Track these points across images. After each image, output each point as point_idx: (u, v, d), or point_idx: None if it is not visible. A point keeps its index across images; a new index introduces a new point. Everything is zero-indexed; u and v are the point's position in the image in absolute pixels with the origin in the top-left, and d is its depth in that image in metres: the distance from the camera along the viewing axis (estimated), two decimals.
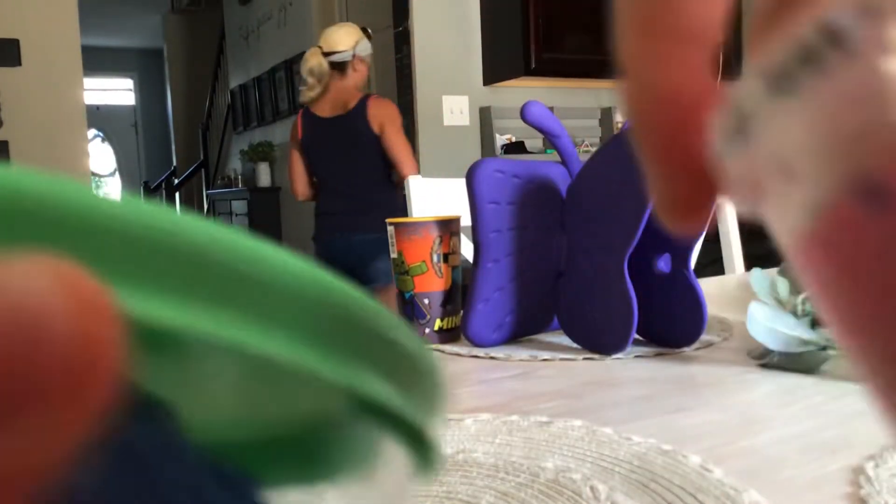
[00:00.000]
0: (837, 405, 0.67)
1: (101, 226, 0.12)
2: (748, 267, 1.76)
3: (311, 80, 3.03)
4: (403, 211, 3.03)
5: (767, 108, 0.14)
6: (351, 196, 3.03)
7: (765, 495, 0.49)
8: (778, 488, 0.50)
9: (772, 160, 0.14)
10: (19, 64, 3.92)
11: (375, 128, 2.90)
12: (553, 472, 0.54)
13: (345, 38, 2.98)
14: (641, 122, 0.19)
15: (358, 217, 3.01)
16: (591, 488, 0.51)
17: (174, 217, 0.13)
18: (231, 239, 0.14)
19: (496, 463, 0.56)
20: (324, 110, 3.03)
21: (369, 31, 3.10)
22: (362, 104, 2.94)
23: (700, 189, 0.19)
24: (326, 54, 2.99)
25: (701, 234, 0.82)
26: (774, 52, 0.13)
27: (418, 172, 2.88)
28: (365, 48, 3.03)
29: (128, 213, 0.13)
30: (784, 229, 0.15)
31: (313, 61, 3.00)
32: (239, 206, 6.60)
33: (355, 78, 3.01)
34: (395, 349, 0.18)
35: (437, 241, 0.95)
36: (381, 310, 0.17)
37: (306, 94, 3.07)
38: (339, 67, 2.99)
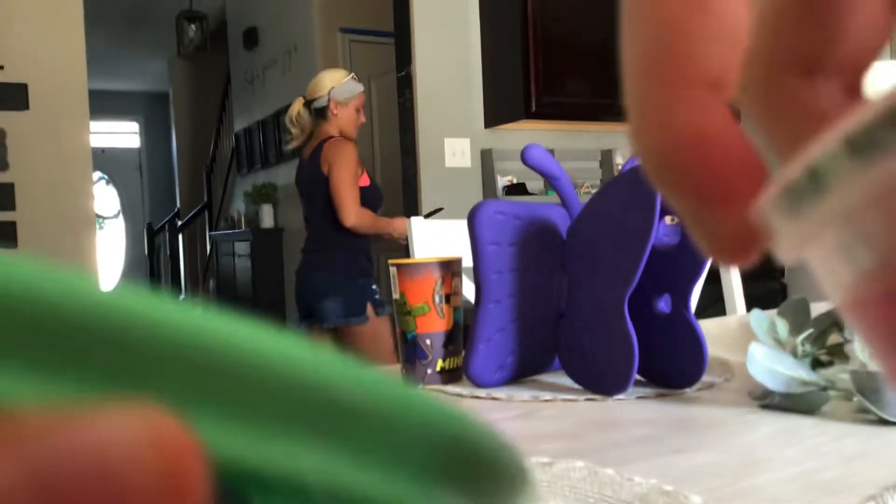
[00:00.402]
0: (838, 445, 0.67)
1: (187, 358, 0.11)
2: (749, 307, 1.77)
3: (293, 129, 3.08)
4: (365, 253, 3.06)
5: (845, 169, 0.14)
6: (310, 237, 3.12)
7: None
8: None
9: (839, 218, 0.14)
10: (27, 108, 3.98)
11: (325, 169, 2.93)
12: None
13: (322, 84, 3.02)
14: (664, 165, 0.19)
15: (313, 256, 3.08)
16: None
17: (282, 348, 0.12)
18: (351, 373, 0.13)
19: None
20: (305, 154, 3.10)
21: (354, 75, 3.11)
22: (319, 147, 2.99)
23: (745, 229, 0.18)
24: (308, 101, 3.05)
25: (699, 276, 0.83)
26: (862, 114, 0.14)
27: (356, 221, 2.87)
28: (343, 92, 3.02)
29: (220, 336, 0.12)
30: (836, 283, 0.15)
31: (293, 109, 3.08)
32: (242, 247, 6.63)
33: (337, 122, 3.03)
34: (509, 475, 0.17)
35: (440, 281, 0.96)
36: (494, 438, 0.17)
37: (290, 143, 3.15)
38: (319, 113, 3.04)
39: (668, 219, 0.86)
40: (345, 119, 3.04)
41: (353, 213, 2.89)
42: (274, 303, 5.70)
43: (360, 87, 3.08)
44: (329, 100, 3.00)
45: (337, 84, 3.01)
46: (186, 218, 8.50)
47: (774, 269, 3.00)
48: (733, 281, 1.73)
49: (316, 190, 2.98)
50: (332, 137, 3.00)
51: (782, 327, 0.85)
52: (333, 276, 2.99)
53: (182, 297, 6.88)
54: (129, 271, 9.02)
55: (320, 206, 3.00)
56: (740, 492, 0.58)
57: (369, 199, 2.99)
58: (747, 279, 1.75)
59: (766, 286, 2.88)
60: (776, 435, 0.73)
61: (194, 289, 6.90)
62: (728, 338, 1.28)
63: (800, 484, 0.59)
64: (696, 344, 0.84)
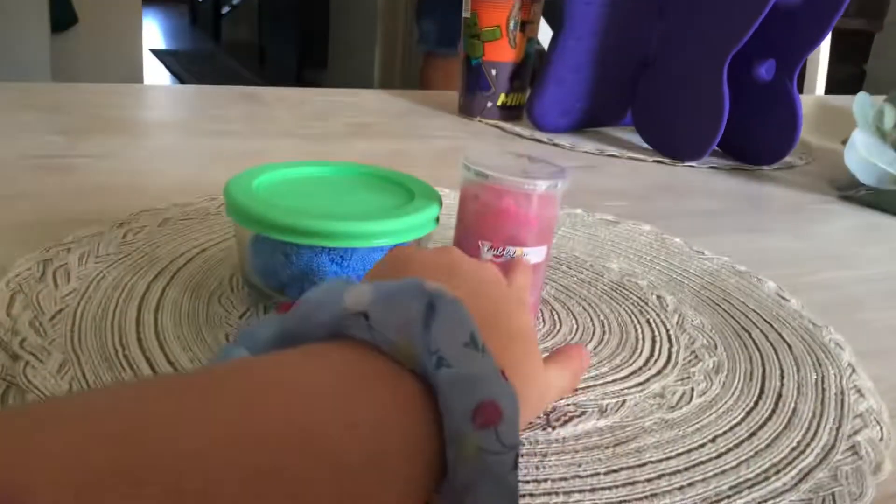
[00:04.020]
0: None
1: None
2: (829, 90, 1.64)
3: None
4: None
5: None
6: None
7: (841, 334, 0.45)
8: (856, 329, 0.47)
9: None
10: None
11: None
12: (618, 274, 0.51)
13: None
14: None
15: None
16: (658, 297, 0.48)
17: None
18: None
19: (558, 255, 0.53)
20: None
21: None
22: None
23: None
24: None
25: (817, 43, 0.73)
26: None
27: None
28: None
29: None
30: None
31: None
32: None
33: None
34: None
35: (518, 5, 0.85)
36: None
37: None
38: None
39: None
40: None
41: None
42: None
43: None
44: None
45: None
46: None
47: (857, 51, 2.77)
48: (820, 57, 1.58)
49: None
50: None
51: (890, 117, 0.76)
52: None
53: None
54: None
55: None
56: (817, 284, 0.54)
57: None
58: (835, 59, 1.60)
59: (845, 70, 2.67)
60: (859, 230, 0.68)
61: None
62: (807, 118, 1.18)
63: (882, 287, 0.54)
64: (790, 119, 0.76)
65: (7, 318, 0.36)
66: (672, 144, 0.81)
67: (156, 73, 4.96)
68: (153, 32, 6.43)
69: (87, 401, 0.19)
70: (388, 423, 0.23)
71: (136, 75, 3.85)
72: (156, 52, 5.54)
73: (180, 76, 4.90)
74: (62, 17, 3.46)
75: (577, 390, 0.36)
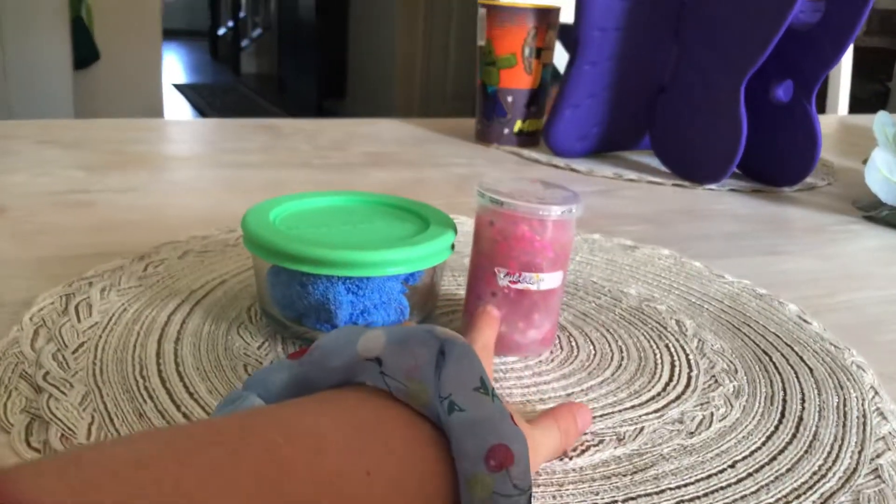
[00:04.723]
0: None
1: None
2: (852, 108, 1.63)
3: None
4: None
5: None
6: None
7: (863, 356, 0.45)
8: (878, 350, 0.46)
9: None
10: None
11: None
12: (636, 299, 0.51)
13: None
14: None
15: None
16: (678, 322, 0.48)
17: None
18: None
19: (576, 281, 0.53)
20: None
21: None
22: None
23: None
24: None
25: (834, 64, 0.73)
26: None
27: None
28: None
29: None
30: None
31: None
32: None
33: None
34: None
35: (533, 32, 0.86)
36: None
37: None
38: None
39: None
40: None
41: None
42: (337, 27, 5.48)
43: None
44: None
45: None
46: None
47: (880, 69, 2.75)
48: (842, 76, 1.57)
49: None
50: None
51: None
52: None
53: (242, 15, 6.68)
54: None
55: None
56: (838, 305, 0.53)
57: None
58: (857, 77, 1.59)
59: (869, 88, 2.65)
60: (880, 250, 0.67)
61: (255, 10, 6.68)
62: (829, 138, 1.18)
63: None
64: (810, 140, 0.75)
65: (31, 351, 0.37)
66: (691, 167, 0.81)
67: (178, 107, 5.04)
68: (174, 67, 6.55)
69: (114, 453, 0.19)
70: (405, 468, 0.23)
71: (157, 109, 3.91)
72: (178, 87, 5.63)
73: (202, 109, 4.98)
74: (85, 54, 3.54)
75: (594, 418, 0.36)
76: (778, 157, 0.79)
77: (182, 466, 0.19)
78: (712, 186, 0.80)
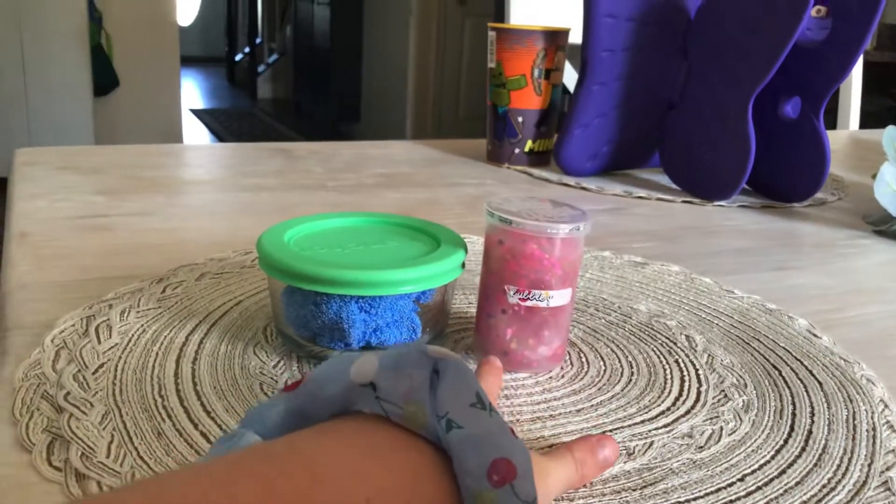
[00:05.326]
0: None
1: None
2: (863, 123, 1.63)
3: None
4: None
5: None
6: None
7: (873, 370, 0.45)
8: (888, 364, 0.46)
9: None
10: None
11: None
12: (646, 315, 0.51)
13: None
14: None
15: None
16: (688, 338, 0.48)
17: None
18: None
19: (586, 298, 0.53)
20: None
21: None
22: None
23: None
24: None
25: (841, 80, 0.73)
26: None
27: None
28: None
29: None
30: None
31: None
32: None
33: None
34: None
35: (542, 54, 0.87)
36: None
37: None
38: None
39: (814, 10, 0.75)
40: None
41: None
42: (351, 51, 5.54)
43: None
44: None
45: None
46: None
47: (890, 83, 2.74)
48: (852, 91, 1.57)
49: None
50: None
51: None
52: None
53: (258, 41, 6.76)
54: (207, 14, 8.87)
55: None
56: (848, 321, 0.53)
57: None
58: (867, 92, 1.59)
59: (879, 103, 2.65)
60: (890, 264, 0.67)
61: (271, 36, 6.77)
62: (841, 153, 1.18)
63: None
64: (818, 156, 0.76)
65: (53, 372, 0.38)
66: (700, 184, 0.81)
67: (196, 132, 5.10)
68: (192, 93, 6.64)
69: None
70: (406, 493, 0.23)
71: (175, 134, 3.97)
72: (195, 112, 5.70)
73: (219, 134, 5.04)
74: (104, 81, 3.60)
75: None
76: (787, 174, 0.80)
77: None
78: (722, 203, 0.80)
